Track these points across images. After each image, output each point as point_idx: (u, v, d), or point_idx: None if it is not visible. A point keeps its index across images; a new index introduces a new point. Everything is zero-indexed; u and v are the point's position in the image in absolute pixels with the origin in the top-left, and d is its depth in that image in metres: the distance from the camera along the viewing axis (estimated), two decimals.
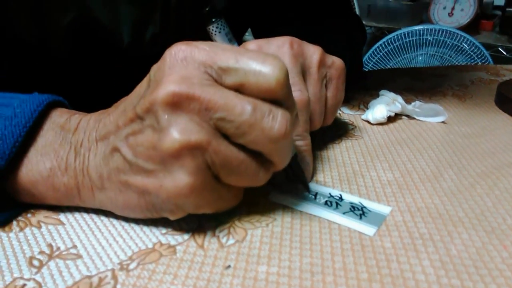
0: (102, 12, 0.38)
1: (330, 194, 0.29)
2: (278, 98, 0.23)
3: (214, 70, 0.23)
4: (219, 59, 0.23)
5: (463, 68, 0.66)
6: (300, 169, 0.29)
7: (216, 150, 0.22)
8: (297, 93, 0.30)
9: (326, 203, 0.28)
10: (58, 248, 0.24)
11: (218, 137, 0.22)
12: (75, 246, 0.24)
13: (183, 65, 0.23)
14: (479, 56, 1.46)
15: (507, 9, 1.58)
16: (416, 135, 0.40)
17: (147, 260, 0.23)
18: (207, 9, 0.29)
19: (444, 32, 1.51)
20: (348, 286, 0.21)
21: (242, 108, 0.22)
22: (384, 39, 1.58)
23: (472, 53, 1.47)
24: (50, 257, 0.23)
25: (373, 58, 1.59)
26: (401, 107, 0.43)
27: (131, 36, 0.40)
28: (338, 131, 0.41)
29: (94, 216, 0.27)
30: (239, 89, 0.23)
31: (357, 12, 1.72)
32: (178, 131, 0.22)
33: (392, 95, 0.44)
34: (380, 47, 1.58)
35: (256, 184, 0.25)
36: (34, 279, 0.22)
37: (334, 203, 0.28)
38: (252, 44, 0.32)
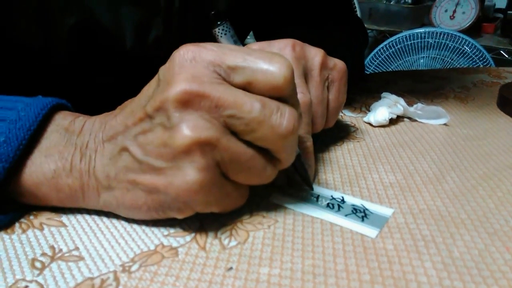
0: (105, 15, 0.38)
1: (332, 196, 0.29)
2: (285, 95, 0.24)
3: (222, 69, 0.23)
4: (227, 59, 0.23)
5: (465, 71, 0.66)
6: (304, 167, 0.29)
7: (225, 147, 0.23)
8: (299, 95, 0.30)
9: (328, 205, 0.28)
10: (60, 250, 0.24)
11: (227, 134, 0.23)
12: (77, 248, 0.24)
13: (193, 64, 0.23)
14: (481, 58, 1.46)
15: (509, 12, 1.59)
16: (418, 137, 0.40)
17: (149, 262, 0.23)
18: (213, 12, 0.29)
19: (446, 35, 1.51)
20: None
21: (252, 105, 0.22)
22: (385, 42, 1.58)
23: (473, 56, 1.47)
24: (52, 259, 0.23)
25: (375, 61, 1.59)
26: (403, 109, 0.43)
27: (134, 39, 0.40)
28: (340, 133, 0.41)
29: (96, 218, 0.27)
30: (247, 87, 0.23)
31: (359, 15, 1.72)
32: (190, 128, 0.22)
33: (394, 97, 0.44)
34: (382, 50, 1.58)
35: (263, 182, 0.25)
36: (36, 281, 0.22)
37: (336, 205, 0.28)
38: (254, 46, 0.33)
